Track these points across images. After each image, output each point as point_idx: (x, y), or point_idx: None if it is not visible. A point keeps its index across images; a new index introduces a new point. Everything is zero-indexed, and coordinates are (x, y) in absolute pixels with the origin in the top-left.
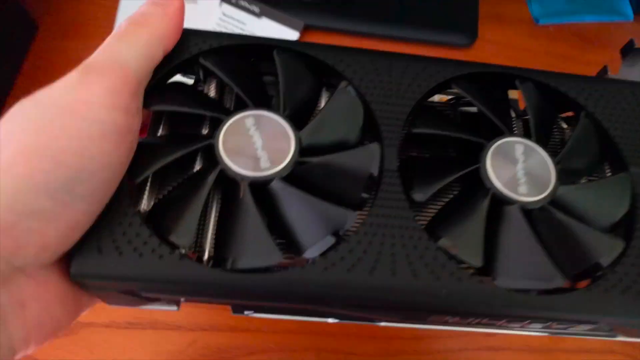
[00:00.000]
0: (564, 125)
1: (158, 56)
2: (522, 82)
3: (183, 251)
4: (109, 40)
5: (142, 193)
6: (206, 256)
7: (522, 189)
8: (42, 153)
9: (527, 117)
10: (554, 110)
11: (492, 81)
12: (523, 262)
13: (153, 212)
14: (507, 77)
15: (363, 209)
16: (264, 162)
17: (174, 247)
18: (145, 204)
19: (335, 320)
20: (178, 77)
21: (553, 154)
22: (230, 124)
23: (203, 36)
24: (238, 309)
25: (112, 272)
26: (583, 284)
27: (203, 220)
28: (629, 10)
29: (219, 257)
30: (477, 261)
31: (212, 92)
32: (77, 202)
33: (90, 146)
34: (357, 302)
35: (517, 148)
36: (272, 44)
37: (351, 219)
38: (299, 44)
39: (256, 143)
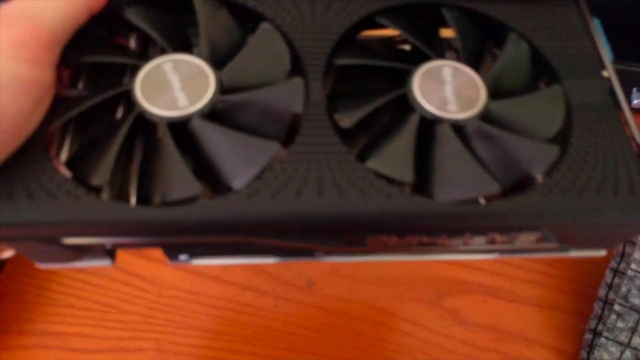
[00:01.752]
0: (497, 52)
1: (81, 15)
2: (449, 10)
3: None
4: None
5: (62, 144)
6: (132, 201)
7: (452, 107)
8: None
9: (453, 36)
10: (483, 34)
11: (420, 15)
12: (457, 175)
13: (71, 159)
14: (435, 7)
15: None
16: (183, 102)
17: (92, 189)
18: (65, 155)
19: (276, 259)
20: None
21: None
22: (148, 69)
23: None
24: (171, 254)
25: (23, 217)
26: None
27: (127, 166)
28: (607, 47)
29: (141, 196)
30: (407, 176)
31: (132, 45)
32: None
33: None
34: (286, 227)
35: (445, 70)
36: None
37: (275, 148)
38: None
39: (174, 85)
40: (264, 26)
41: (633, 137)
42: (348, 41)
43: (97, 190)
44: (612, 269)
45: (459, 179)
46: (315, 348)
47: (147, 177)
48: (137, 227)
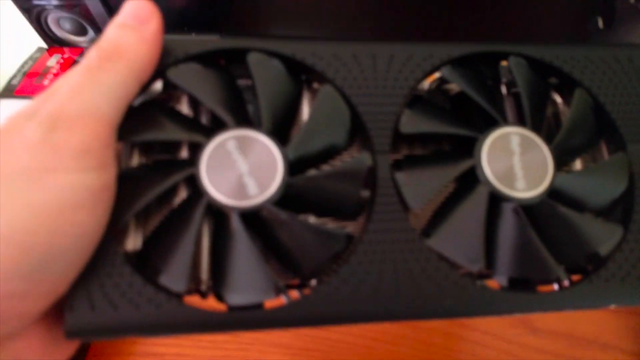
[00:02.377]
0: (558, 100)
1: (134, 92)
2: (514, 61)
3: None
4: (76, 79)
5: (127, 231)
6: (204, 287)
7: (520, 184)
8: (8, 239)
9: (517, 90)
10: (548, 87)
11: (480, 59)
12: (522, 260)
13: (142, 255)
14: (497, 54)
15: (360, 219)
16: (252, 189)
17: (168, 291)
18: (131, 242)
19: None
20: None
21: (547, 133)
22: (212, 149)
23: (167, 46)
24: None
25: (108, 327)
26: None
27: (196, 250)
28: None
29: (217, 292)
30: (479, 268)
31: (184, 106)
32: (54, 276)
33: (62, 220)
34: (363, 321)
35: (513, 139)
36: (244, 47)
37: (350, 236)
38: (274, 42)
39: (241, 168)
40: (326, 90)
41: None
42: (413, 99)
43: (177, 295)
44: None
45: (523, 266)
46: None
47: (222, 271)
48: (218, 330)
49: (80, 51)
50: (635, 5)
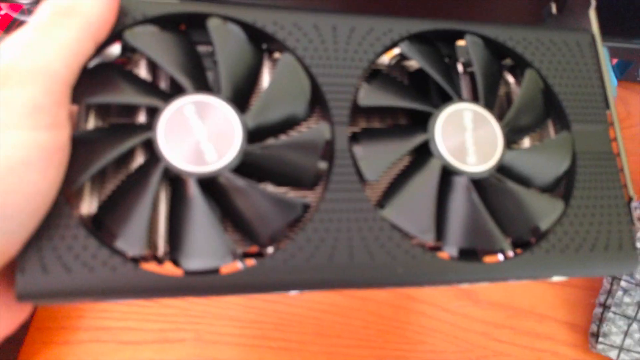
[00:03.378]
0: (510, 79)
1: (89, 51)
2: (470, 39)
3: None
4: (29, 35)
5: (82, 194)
6: (160, 253)
7: (471, 158)
8: None
9: (472, 69)
10: (501, 67)
11: (439, 36)
12: (470, 231)
13: (98, 217)
14: (455, 33)
15: (317, 189)
16: (210, 155)
17: (124, 255)
18: (86, 206)
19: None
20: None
21: (499, 111)
22: (169, 114)
23: (125, 7)
24: None
25: (61, 290)
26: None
27: (152, 215)
28: (612, 77)
29: (174, 257)
30: (430, 238)
31: (142, 70)
32: (4, 236)
33: (12, 179)
34: (318, 288)
35: (465, 115)
36: (204, 12)
37: (306, 204)
38: (235, 9)
39: (199, 134)
40: (287, 60)
41: (625, 186)
42: (372, 73)
43: (133, 259)
44: None
45: (472, 237)
46: (340, 332)
47: (179, 237)
48: (175, 294)
49: (19, 8)
50: None
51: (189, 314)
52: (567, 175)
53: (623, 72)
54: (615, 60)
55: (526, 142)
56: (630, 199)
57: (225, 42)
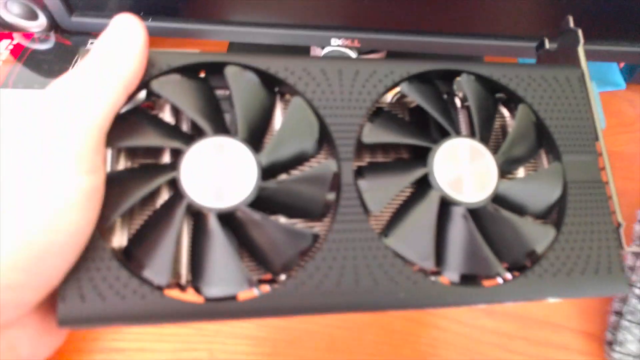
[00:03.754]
0: (505, 113)
1: (123, 101)
2: (466, 77)
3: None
4: (77, 86)
5: (114, 229)
6: (183, 281)
7: (467, 189)
8: (9, 236)
9: (468, 104)
10: (496, 102)
11: (437, 75)
12: (468, 258)
13: (128, 251)
14: (451, 72)
15: (326, 220)
16: (228, 191)
17: (152, 284)
18: (117, 240)
19: None
20: None
21: (495, 143)
22: (191, 154)
23: (151, 59)
24: None
25: (97, 316)
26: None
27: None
28: (620, 80)
29: (196, 285)
30: (430, 265)
31: (167, 114)
32: (49, 269)
33: (57, 219)
34: (327, 312)
35: (462, 149)
36: (222, 61)
37: (317, 235)
38: (250, 57)
39: (218, 172)
40: (297, 102)
41: (614, 212)
42: (375, 111)
43: (159, 288)
44: (633, 252)
45: (470, 259)
46: (353, 347)
47: (200, 267)
48: (197, 318)
49: (30, 36)
50: (575, 30)
51: (202, 333)
52: (558, 203)
53: (631, 75)
54: (622, 64)
55: (521, 171)
56: (619, 225)
57: (241, 88)
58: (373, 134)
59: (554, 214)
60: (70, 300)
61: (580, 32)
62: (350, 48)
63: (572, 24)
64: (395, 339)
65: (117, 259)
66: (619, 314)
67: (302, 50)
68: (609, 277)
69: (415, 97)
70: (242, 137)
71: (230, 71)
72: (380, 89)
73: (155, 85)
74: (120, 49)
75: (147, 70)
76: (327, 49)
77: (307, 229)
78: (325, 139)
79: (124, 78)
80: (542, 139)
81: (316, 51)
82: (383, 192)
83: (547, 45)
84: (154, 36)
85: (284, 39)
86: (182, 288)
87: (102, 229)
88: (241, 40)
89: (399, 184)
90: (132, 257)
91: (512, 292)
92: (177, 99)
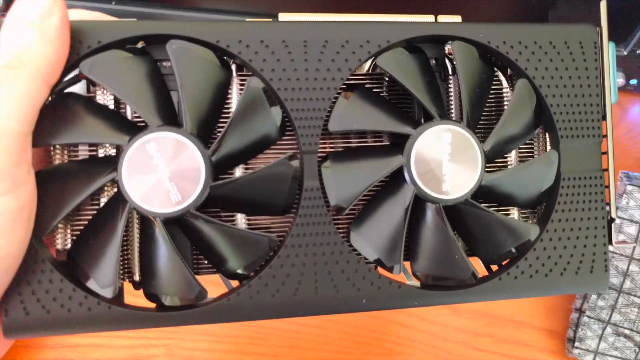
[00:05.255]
0: (504, 83)
1: (43, 96)
2: (457, 47)
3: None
4: None
5: (56, 229)
6: (137, 277)
7: (446, 185)
8: None
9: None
10: (491, 74)
11: (425, 39)
12: (441, 258)
13: (72, 255)
14: (441, 38)
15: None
16: (174, 195)
17: (98, 296)
18: (62, 239)
19: None
20: None
21: (487, 117)
22: (132, 153)
23: (78, 33)
24: None
25: (43, 328)
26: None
27: (127, 243)
28: (613, 79)
29: (146, 291)
30: (396, 270)
31: (109, 98)
32: None
33: None
34: (281, 317)
35: (445, 138)
36: (163, 33)
37: (272, 242)
38: (196, 27)
39: (163, 173)
40: (252, 87)
41: (609, 203)
42: (348, 86)
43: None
44: None
45: (442, 261)
46: (317, 344)
47: (148, 273)
48: (148, 325)
49: None
50: None
51: (160, 329)
52: (548, 194)
53: None
54: None
55: (513, 153)
56: (612, 219)
57: (187, 68)
58: (340, 121)
59: (543, 207)
60: (14, 314)
61: None
62: None
63: None
64: (361, 336)
65: (59, 269)
66: (580, 310)
67: None
68: (589, 277)
69: (395, 74)
70: (189, 129)
71: (173, 47)
72: (352, 64)
73: (85, 67)
74: (32, 35)
75: (74, 48)
76: None
77: (261, 234)
78: (287, 126)
79: (40, 69)
80: (541, 118)
81: None
82: (350, 189)
83: None
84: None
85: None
86: (135, 285)
87: (40, 238)
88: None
89: (368, 179)
90: (76, 265)
91: (481, 294)
92: (112, 83)
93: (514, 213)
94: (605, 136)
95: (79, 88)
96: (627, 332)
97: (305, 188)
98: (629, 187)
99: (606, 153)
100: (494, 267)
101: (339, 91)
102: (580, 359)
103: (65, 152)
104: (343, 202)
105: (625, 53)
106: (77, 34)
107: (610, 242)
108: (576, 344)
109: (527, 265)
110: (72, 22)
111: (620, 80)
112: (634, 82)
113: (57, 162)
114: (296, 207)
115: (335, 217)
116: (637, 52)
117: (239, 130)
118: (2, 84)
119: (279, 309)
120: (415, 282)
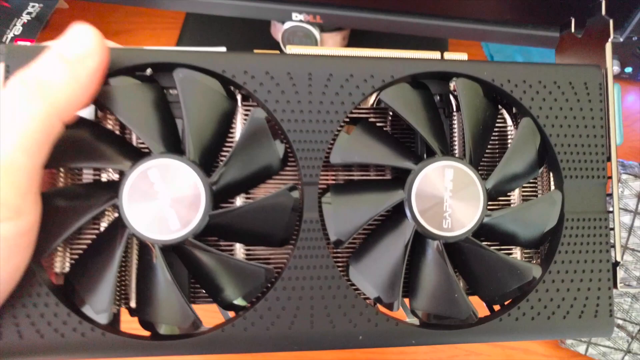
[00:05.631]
0: (508, 121)
1: (57, 130)
2: (461, 85)
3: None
4: None
5: (55, 252)
6: (133, 304)
7: (447, 222)
8: None
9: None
10: (495, 112)
11: (429, 75)
12: (440, 297)
13: (69, 280)
14: (445, 75)
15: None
16: (174, 223)
17: (93, 321)
18: (60, 263)
19: None
20: None
21: (491, 154)
22: (134, 179)
23: None
24: None
25: (37, 353)
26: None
27: (124, 269)
28: (619, 120)
29: (141, 317)
30: (395, 306)
31: (115, 123)
32: None
33: None
34: (276, 351)
35: (447, 174)
36: (170, 62)
37: (268, 274)
38: (203, 57)
39: (163, 200)
40: (256, 117)
41: (614, 246)
42: (350, 120)
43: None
44: None
45: (441, 299)
46: None
47: (145, 301)
48: (141, 354)
49: None
50: (606, 20)
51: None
52: (551, 235)
53: None
54: None
55: (516, 192)
56: (617, 263)
57: (191, 97)
58: (342, 154)
59: (546, 247)
60: (8, 337)
61: (611, 23)
62: (312, 24)
63: (604, 12)
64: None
65: (55, 293)
66: None
67: (263, 25)
68: (592, 322)
69: (398, 109)
70: (191, 157)
71: (180, 76)
72: (356, 98)
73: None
74: (62, 71)
75: None
76: (287, 24)
77: (258, 265)
78: (289, 156)
79: (58, 106)
80: (545, 158)
81: (277, 26)
82: (349, 222)
83: (573, 27)
84: (107, 3)
85: (244, 11)
86: (132, 312)
87: (39, 261)
88: (198, 11)
89: (368, 213)
90: (73, 289)
91: (481, 335)
92: (118, 109)
93: (517, 253)
94: (611, 177)
95: (86, 112)
96: (620, 322)
97: (304, 220)
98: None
99: (611, 195)
100: (497, 307)
101: (342, 124)
102: (573, 349)
103: (70, 175)
104: (342, 236)
105: (621, 40)
106: None
107: (615, 286)
108: None
109: (528, 306)
110: None
111: (616, 68)
112: (629, 70)
113: (60, 185)
114: (295, 238)
115: (334, 251)
116: (634, 38)
117: (240, 160)
118: (17, 115)
119: (274, 343)
120: (415, 320)
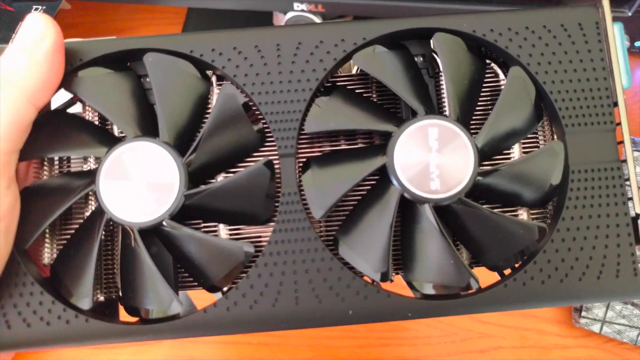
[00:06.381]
0: (500, 75)
1: (28, 114)
2: (439, 40)
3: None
4: None
5: (42, 242)
6: (121, 292)
7: (435, 184)
8: None
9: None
10: (483, 65)
11: (408, 35)
12: (437, 264)
13: (54, 271)
14: (421, 32)
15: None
16: (150, 205)
17: (76, 308)
18: (48, 252)
19: None
20: None
21: (483, 116)
22: (109, 164)
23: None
24: None
25: (24, 342)
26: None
27: (112, 258)
28: (625, 63)
29: (127, 305)
30: (384, 278)
31: (96, 114)
32: None
33: None
34: (263, 331)
35: (430, 133)
36: (138, 48)
37: (249, 251)
38: (167, 40)
39: (139, 183)
40: (224, 92)
41: (632, 198)
42: (327, 88)
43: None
44: None
45: (437, 274)
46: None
47: (127, 286)
48: (126, 339)
49: None
50: None
51: (163, 343)
52: (557, 191)
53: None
54: None
55: (516, 149)
56: (637, 216)
57: (162, 80)
58: (317, 122)
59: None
60: None
61: None
62: (315, 13)
63: None
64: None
65: (41, 282)
66: None
67: (265, 16)
68: (614, 282)
69: (372, 71)
70: (164, 139)
71: (149, 60)
72: (328, 64)
73: (67, 84)
74: (21, 58)
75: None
76: (289, 15)
77: (237, 244)
78: (267, 128)
79: (26, 90)
80: (542, 109)
81: (279, 17)
82: (330, 192)
83: None
84: (109, 2)
85: (245, 3)
86: (120, 300)
87: (25, 252)
88: (200, 5)
89: (350, 180)
90: (58, 278)
91: (484, 304)
92: (91, 97)
93: (523, 214)
94: (620, 124)
95: (74, 108)
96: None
97: (283, 193)
98: (636, 153)
99: (622, 142)
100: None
101: (317, 93)
102: (588, 328)
103: (55, 168)
104: (323, 207)
105: (629, 14)
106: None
107: (638, 242)
108: (583, 313)
109: (537, 269)
110: None
111: (625, 43)
112: (639, 44)
113: (44, 178)
114: (274, 213)
115: (317, 223)
116: None
117: (214, 138)
118: None
119: (259, 322)
120: (410, 293)
